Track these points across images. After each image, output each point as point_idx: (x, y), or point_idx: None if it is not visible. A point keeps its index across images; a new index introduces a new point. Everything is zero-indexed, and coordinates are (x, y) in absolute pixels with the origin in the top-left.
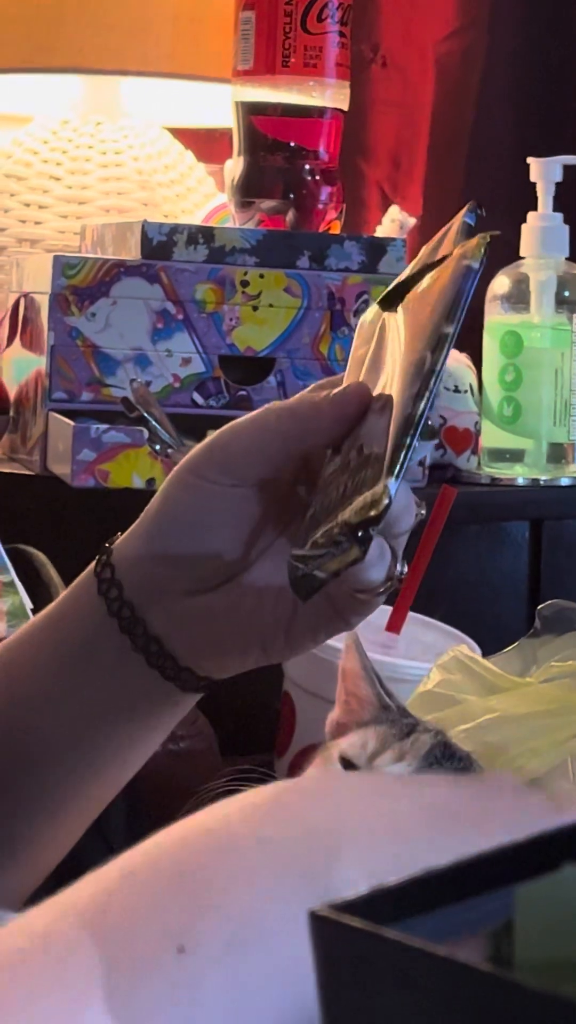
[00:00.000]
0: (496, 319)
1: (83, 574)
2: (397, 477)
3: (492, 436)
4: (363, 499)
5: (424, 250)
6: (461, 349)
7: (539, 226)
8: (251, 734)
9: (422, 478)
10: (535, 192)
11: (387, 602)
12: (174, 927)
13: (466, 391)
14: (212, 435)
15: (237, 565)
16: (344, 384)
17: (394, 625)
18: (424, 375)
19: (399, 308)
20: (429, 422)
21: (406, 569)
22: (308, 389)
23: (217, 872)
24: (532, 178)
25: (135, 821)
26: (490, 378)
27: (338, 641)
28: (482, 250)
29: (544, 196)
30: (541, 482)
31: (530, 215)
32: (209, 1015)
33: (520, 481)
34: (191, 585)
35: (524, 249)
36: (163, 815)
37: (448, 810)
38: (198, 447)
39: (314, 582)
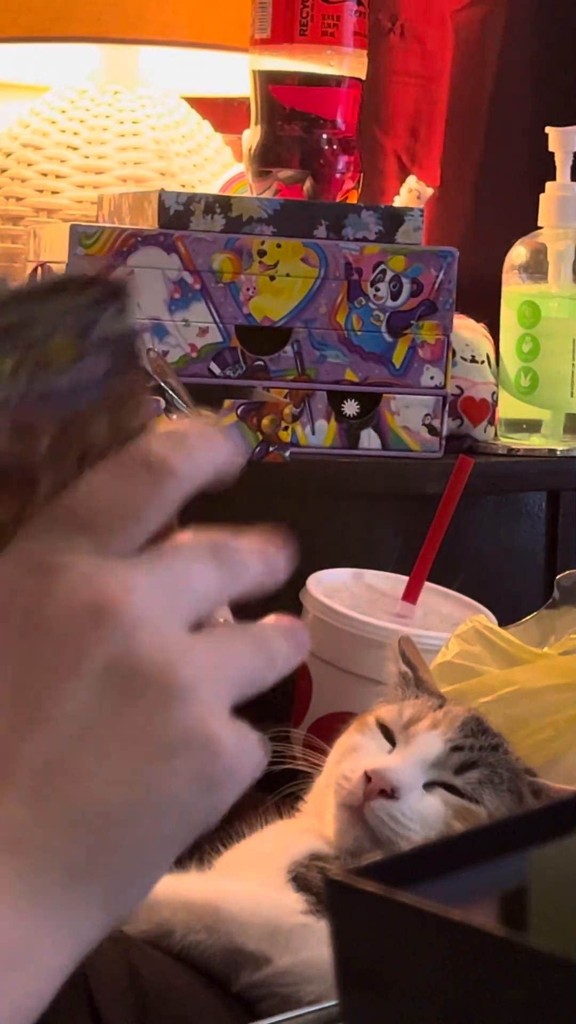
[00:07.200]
0: (513, 289)
1: None
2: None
3: (509, 407)
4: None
5: None
6: (478, 319)
7: (557, 196)
8: (266, 703)
9: (439, 448)
10: (553, 162)
11: (404, 572)
12: None
13: (483, 361)
14: None
15: None
16: None
17: (411, 595)
18: None
19: None
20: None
21: None
22: None
23: None
24: (550, 148)
25: None
26: (507, 348)
27: (353, 611)
28: None
29: (562, 166)
30: (558, 453)
31: (548, 185)
32: None
33: (537, 452)
34: None
35: (542, 219)
36: None
37: None
38: None
39: None
